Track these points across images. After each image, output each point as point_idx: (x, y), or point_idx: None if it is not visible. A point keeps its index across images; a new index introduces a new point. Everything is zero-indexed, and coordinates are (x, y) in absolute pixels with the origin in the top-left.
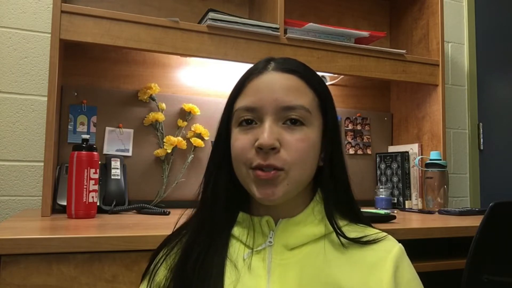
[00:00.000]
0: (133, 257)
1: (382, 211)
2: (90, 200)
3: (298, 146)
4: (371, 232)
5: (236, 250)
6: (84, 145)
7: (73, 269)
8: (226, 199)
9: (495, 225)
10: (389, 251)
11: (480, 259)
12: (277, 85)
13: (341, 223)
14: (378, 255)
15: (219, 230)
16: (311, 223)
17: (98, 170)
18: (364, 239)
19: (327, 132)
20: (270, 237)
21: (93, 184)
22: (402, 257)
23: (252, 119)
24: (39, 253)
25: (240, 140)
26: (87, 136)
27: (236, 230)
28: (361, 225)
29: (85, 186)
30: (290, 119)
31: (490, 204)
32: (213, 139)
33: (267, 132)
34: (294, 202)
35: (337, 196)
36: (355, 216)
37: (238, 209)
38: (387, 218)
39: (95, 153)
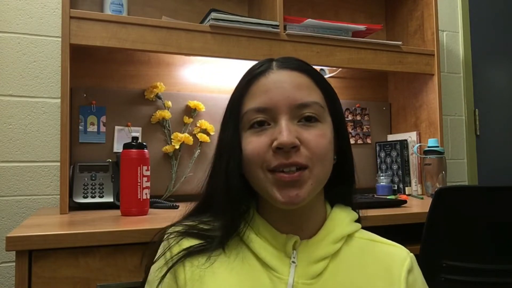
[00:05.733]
0: None
1: (392, 196)
2: (144, 197)
3: (319, 142)
4: (380, 237)
5: (250, 264)
6: (134, 143)
7: (98, 261)
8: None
9: (443, 211)
10: (404, 259)
11: (435, 245)
12: (287, 83)
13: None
14: (392, 263)
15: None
16: (330, 240)
17: (149, 167)
18: (380, 240)
19: (338, 128)
20: (294, 257)
21: (146, 181)
22: (415, 266)
23: (264, 120)
24: (66, 247)
25: (254, 142)
26: (136, 134)
27: (255, 242)
28: (366, 232)
29: (138, 183)
30: (305, 116)
31: (436, 190)
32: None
33: (285, 130)
34: (311, 211)
35: (351, 191)
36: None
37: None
38: (399, 203)
39: (145, 150)
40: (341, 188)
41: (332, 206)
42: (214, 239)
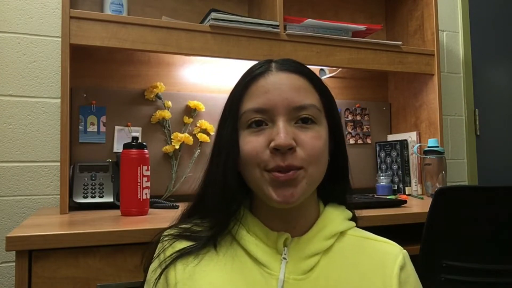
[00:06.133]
0: None
1: (392, 196)
2: (144, 197)
3: (314, 144)
4: (373, 235)
5: (242, 261)
6: (134, 143)
7: (98, 261)
8: (235, 203)
9: (443, 211)
10: (396, 256)
11: (435, 245)
12: (285, 85)
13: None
14: (385, 259)
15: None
16: (322, 237)
17: (149, 167)
18: (373, 237)
19: (333, 130)
20: (285, 253)
21: (146, 181)
22: (408, 263)
23: (262, 120)
24: (66, 247)
25: (252, 142)
26: (136, 134)
27: (246, 240)
28: (360, 230)
29: (138, 183)
30: (302, 118)
31: (436, 190)
32: None
33: (283, 132)
34: (304, 209)
35: (345, 191)
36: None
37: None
38: (399, 203)
39: (145, 150)
40: (336, 188)
41: (325, 206)
42: (207, 240)
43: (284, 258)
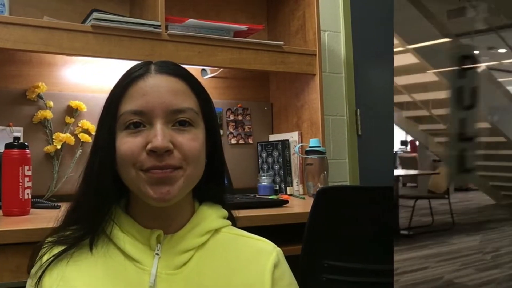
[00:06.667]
0: None
1: (274, 197)
2: (26, 197)
3: (191, 145)
4: (248, 233)
5: (116, 259)
6: (15, 143)
7: None
8: (109, 202)
9: (325, 211)
10: (269, 253)
11: (316, 245)
12: (164, 88)
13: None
14: (258, 256)
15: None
16: (195, 234)
17: (31, 167)
18: (248, 235)
19: (209, 132)
20: (158, 250)
21: (27, 181)
22: (282, 260)
23: (140, 122)
24: None
25: (128, 143)
26: (18, 134)
27: (119, 238)
28: (236, 228)
29: (20, 183)
30: (180, 121)
31: (317, 190)
32: None
33: (160, 134)
34: (180, 208)
35: (222, 191)
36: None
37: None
38: (280, 203)
39: (27, 150)
40: (212, 188)
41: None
42: (78, 239)
43: (157, 254)
